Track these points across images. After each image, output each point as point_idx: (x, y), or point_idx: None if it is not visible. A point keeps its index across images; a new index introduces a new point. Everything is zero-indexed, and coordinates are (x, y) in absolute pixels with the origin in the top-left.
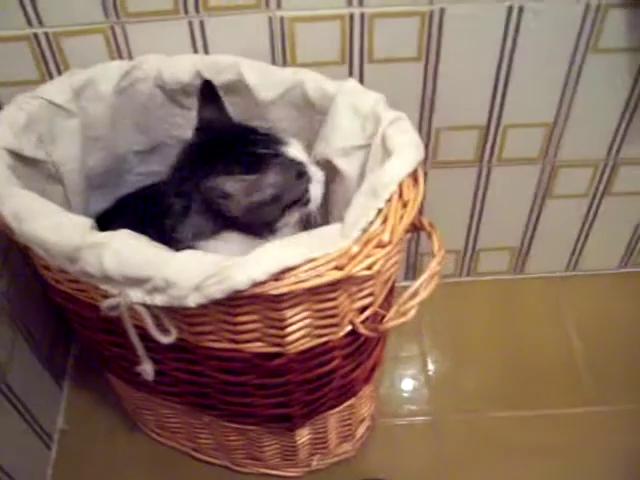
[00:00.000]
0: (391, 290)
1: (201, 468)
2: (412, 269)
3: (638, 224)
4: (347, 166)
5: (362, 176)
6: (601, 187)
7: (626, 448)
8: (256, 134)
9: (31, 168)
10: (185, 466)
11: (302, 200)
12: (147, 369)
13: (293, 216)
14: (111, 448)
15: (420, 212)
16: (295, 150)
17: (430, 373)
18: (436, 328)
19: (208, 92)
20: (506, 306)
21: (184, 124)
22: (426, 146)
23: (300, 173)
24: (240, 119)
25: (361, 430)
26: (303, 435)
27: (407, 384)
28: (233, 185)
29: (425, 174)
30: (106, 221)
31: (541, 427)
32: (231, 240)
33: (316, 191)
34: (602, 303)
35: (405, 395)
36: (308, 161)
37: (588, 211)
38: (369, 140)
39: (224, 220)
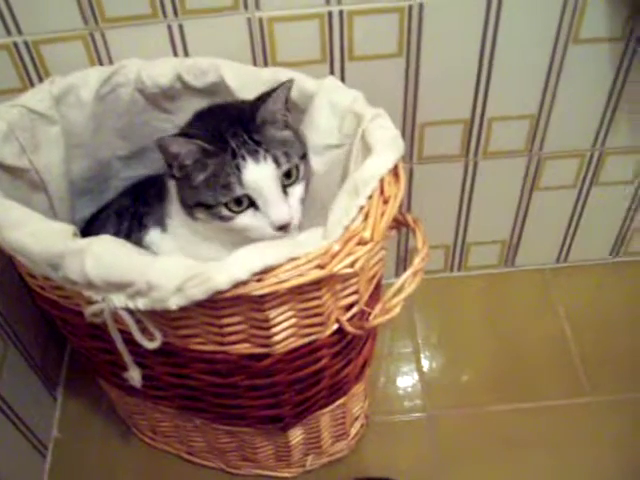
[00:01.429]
0: (377, 287)
1: (196, 471)
2: (402, 266)
3: (626, 214)
4: (320, 165)
5: (341, 174)
6: (588, 177)
7: (622, 437)
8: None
9: (14, 177)
10: (180, 470)
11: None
12: (134, 376)
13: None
14: (106, 454)
15: (408, 208)
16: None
17: (424, 369)
18: (429, 324)
19: None
20: (498, 300)
21: (167, 128)
22: (411, 142)
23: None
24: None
25: (355, 428)
26: (296, 435)
27: (401, 381)
28: (180, 146)
29: (411, 170)
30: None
31: (537, 419)
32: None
33: (247, 220)
34: (594, 293)
35: (399, 392)
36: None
37: (576, 202)
38: (344, 140)
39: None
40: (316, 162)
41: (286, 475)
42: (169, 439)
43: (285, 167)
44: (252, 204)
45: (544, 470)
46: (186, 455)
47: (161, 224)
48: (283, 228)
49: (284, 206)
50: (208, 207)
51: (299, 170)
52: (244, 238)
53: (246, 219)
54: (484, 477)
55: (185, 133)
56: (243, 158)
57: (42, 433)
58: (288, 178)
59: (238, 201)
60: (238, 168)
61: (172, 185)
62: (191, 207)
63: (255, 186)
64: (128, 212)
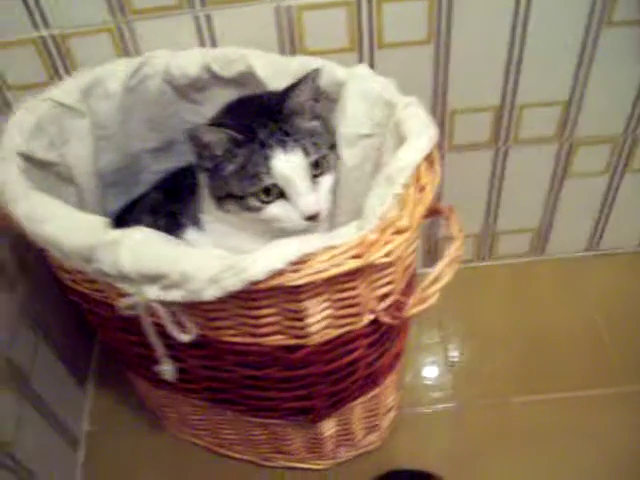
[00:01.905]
0: (412, 277)
1: (226, 463)
2: (429, 255)
3: None
4: (351, 157)
5: (371, 166)
6: (620, 164)
7: None
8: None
9: (44, 170)
10: (210, 462)
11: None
12: (167, 369)
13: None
14: (137, 447)
15: (438, 197)
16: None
17: (452, 360)
18: (457, 314)
19: None
20: (527, 289)
21: (195, 119)
22: (441, 129)
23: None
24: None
25: (387, 420)
26: (328, 427)
27: (429, 372)
28: (211, 135)
29: (441, 158)
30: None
31: (568, 409)
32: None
33: (276, 210)
34: (624, 282)
35: (428, 383)
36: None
37: (608, 189)
38: (375, 129)
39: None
40: (347, 154)
41: (318, 467)
42: (199, 431)
43: (313, 157)
44: (281, 194)
45: (577, 461)
46: (217, 447)
47: (196, 221)
48: (312, 218)
49: (313, 196)
50: (238, 198)
51: (328, 160)
52: (276, 229)
53: (275, 209)
54: (514, 467)
55: (215, 122)
56: (271, 148)
57: (74, 427)
58: (317, 168)
59: (267, 191)
60: (267, 158)
61: (203, 179)
62: (221, 199)
63: (284, 176)
64: (162, 209)
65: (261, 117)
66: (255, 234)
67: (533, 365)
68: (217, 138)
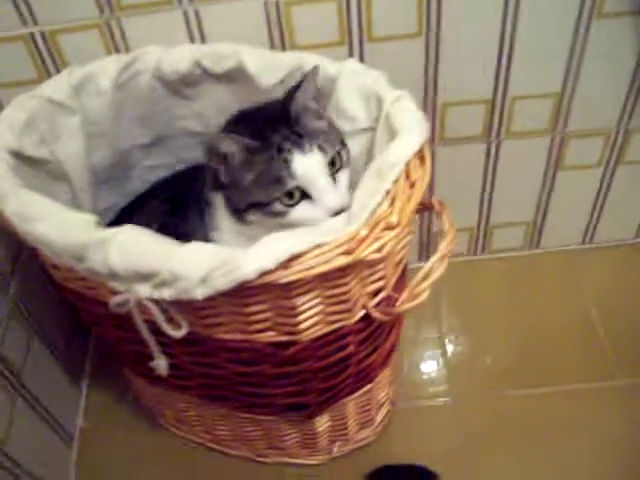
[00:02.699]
0: (403, 272)
1: (221, 460)
2: (425, 249)
3: None
4: (353, 149)
5: (367, 159)
6: (614, 156)
7: None
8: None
9: (35, 168)
10: (205, 458)
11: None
12: (161, 364)
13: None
14: (132, 444)
15: (430, 191)
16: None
17: (448, 354)
18: (452, 308)
19: None
20: (522, 282)
21: (187, 115)
22: (432, 123)
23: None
24: (242, 107)
25: (381, 415)
26: (322, 423)
27: (425, 366)
28: (228, 144)
29: (433, 152)
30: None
31: (564, 402)
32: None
33: (302, 211)
34: (620, 275)
35: (424, 377)
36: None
37: (602, 181)
38: (373, 122)
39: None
40: (351, 145)
41: (313, 462)
42: (194, 428)
43: (331, 154)
44: (304, 195)
45: (572, 453)
46: (211, 444)
47: (208, 241)
48: (336, 214)
49: (336, 192)
50: (262, 206)
51: (342, 156)
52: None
53: (300, 211)
54: (510, 461)
55: (228, 132)
56: (289, 151)
57: (68, 423)
58: (333, 166)
59: (290, 194)
60: (286, 161)
61: (216, 197)
62: (243, 211)
63: (306, 176)
64: (170, 227)
65: (270, 123)
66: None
67: (528, 359)
68: (234, 148)
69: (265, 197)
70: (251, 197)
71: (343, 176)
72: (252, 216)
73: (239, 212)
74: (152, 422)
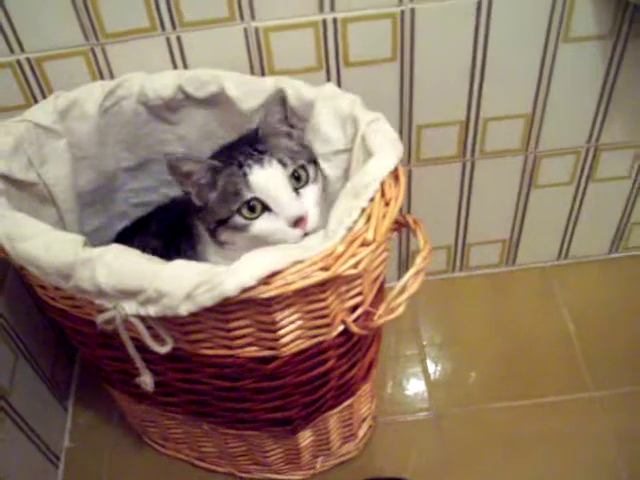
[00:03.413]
0: (380, 288)
1: (207, 477)
2: (405, 268)
3: (624, 209)
4: (330, 170)
5: (345, 180)
6: (584, 174)
7: (626, 431)
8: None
9: (23, 190)
10: (191, 476)
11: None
12: (147, 380)
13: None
14: (118, 463)
15: (408, 210)
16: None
17: (429, 369)
18: (433, 324)
19: None
20: (500, 298)
21: (171, 139)
22: (408, 144)
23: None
24: (224, 131)
25: (363, 430)
26: (305, 438)
27: (407, 381)
28: (189, 165)
29: (410, 172)
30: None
31: (542, 415)
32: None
33: (263, 223)
34: (595, 289)
35: (406, 392)
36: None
37: (574, 198)
38: (350, 144)
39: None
40: (328, 167)
41: (296, 478)
42: (179, 446)
43: (291, 168)
44: (265, 208)
45: (550, 466)
46: (197, 461)
47: None
48: (299, 224)
49: (295, 202)
50: (225, 221)
51: (307, 172)
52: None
53: (262, 223)
54: (491, 474)
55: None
56: (249, 165)
57: (54, 443)
58: (298, 181)
59: (252, 208)
60: (245, 174)
61: (199, 224)
62: (214, 230)
63: (263, 187)
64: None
65: (241, 146)
66: None
67: (507, 373)
68: (197, 168)
69: (226, 211)
70: (216, 214)
71: (309, 191)
72: (222, 235)
73: (212, 233)
74: (137, 441)
